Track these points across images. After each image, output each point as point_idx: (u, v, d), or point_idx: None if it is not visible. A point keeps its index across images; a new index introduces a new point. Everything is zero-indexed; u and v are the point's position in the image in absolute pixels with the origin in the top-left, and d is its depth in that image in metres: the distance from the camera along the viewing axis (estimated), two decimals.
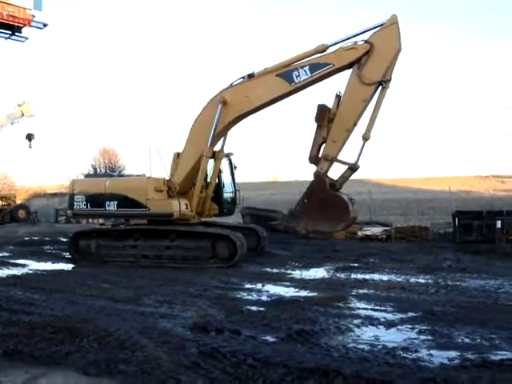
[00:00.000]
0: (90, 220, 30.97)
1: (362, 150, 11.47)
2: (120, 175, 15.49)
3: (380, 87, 11.27)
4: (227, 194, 15.11)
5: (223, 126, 12.97)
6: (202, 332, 6.20)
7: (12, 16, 18.93)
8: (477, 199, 32.00)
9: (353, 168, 11.52)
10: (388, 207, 32.40)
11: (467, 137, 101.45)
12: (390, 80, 11.24)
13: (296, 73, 11.90)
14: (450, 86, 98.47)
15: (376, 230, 19.49)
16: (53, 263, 13.53)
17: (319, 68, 11.74)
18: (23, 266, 12.98)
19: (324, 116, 11.54)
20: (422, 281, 10.09)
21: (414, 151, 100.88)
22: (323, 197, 11.16)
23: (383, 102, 11.35)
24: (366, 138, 11.35)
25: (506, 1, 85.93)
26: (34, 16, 19.59)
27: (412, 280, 10.21)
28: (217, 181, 14.55)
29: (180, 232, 12.80)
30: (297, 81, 11.93)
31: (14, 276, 11.24)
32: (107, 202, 13.34)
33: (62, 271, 12.10)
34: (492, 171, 52.20)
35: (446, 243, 17.14)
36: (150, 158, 12.78)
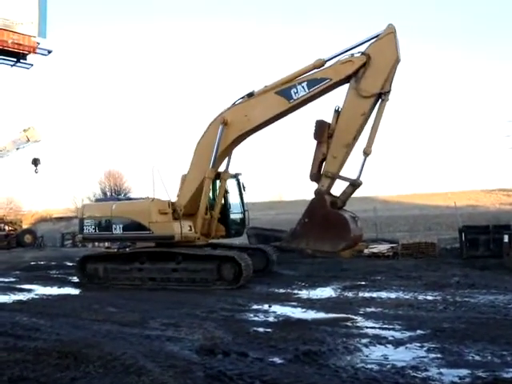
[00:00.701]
0: (96, 244, 30.96)
1: (363, 165, 11.14)
2: (128, 198, 15.50)
3: (379, 100, 11.01)
4: (234, 214, 14.98)
5: (225, 146, 12.94)
6: (208, 355, 6.14)
7: (17, 44, 19.19)
8: (483, 213, 31.85)
9: (354, 184, 11.17)
10: (394, 224, 32.26)
11: (472, 151, 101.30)
12: (389, 92, 10.96)
13: (294, 89, 11.79)
14: (455, 100, 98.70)
15: (382, 248, 19.36)
16: (59, 288, 13.50)
17: (317, 83, 11.59)
18: (29, 291, 12.95)
19: (323, 132, 11.30)
20: (430, 298, 9.99)
21: (419, 167, 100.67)
22: (323, 215, 10.83)
23: (383, 115, 11.07)
24: (366, 152, 11.03)
25: (508, 13, 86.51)
26: (38, 43, 19.85)
27: (420, 297, 10.11)
28: (223, 202, 14.51)
29: (186, 254, 12.74)
30: (295, 97, 11.79)
31: (19, 301, 11.20)
32: (114, 226, 13.44)
33: (67, 296, 12.06)
34: (498, 185, 51.95)
35: (453, 259, 17.01)
36: (153, 180, 12.80)
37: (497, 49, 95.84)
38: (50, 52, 19.97)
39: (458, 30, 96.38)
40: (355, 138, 11.21)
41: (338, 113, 11.28)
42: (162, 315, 8.88)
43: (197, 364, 5.74)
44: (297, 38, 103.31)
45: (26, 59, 20.25)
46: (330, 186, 11.24)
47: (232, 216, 14.86)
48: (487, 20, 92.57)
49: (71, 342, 6.83)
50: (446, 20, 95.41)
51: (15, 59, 20.02)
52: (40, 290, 13.06)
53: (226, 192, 14.66)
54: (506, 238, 14.79)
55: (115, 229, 13.42)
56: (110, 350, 6.36)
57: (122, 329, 7.85)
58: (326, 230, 10.68)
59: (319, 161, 11.36)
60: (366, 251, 19.05)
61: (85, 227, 14.00)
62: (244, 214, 15.29)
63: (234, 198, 15.13)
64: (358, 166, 11.20)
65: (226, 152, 13.49)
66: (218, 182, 14.23)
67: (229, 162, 14.23)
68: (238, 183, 15.23)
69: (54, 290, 13.08)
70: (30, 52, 19.88)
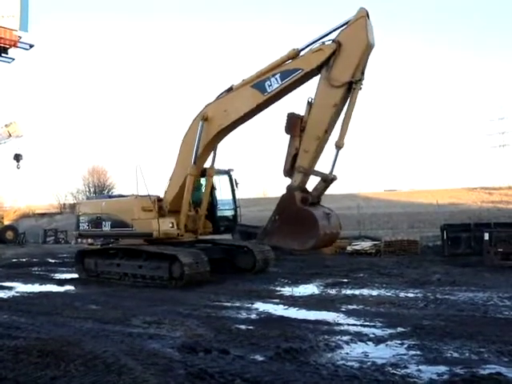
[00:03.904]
0: (79, 240, 30.84)
1: (335, 159, 10.56)
2: (120, 196, 15.34)
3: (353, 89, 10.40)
4: (223, 211, 14.70)
5: (206, 142, 12.75)
6: (190, 352, 6.14)
7: None
8: (465, 211, 32.13)
9: (326, 179, 10.61)
10: (377, 221, 32.42)
11: (455, 149, 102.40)
12: (360, 80, 10.43)
13: (268, 82, 11.46)
14: (439, 98, 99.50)
15: (365, 245, 19.53)
16: (40, 285, 13.37)
17: (289, 75, 11.20)
18: (10, 288, 12.82)
19: (295, 125, 10.80)
20: (411, 295, 10.10)
21: (402, 164, 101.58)
22: (293, 212, 10.35)
23: (355, 106, 10.49)
24: (338, 145, 10.50)
25: (494, 9, 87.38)
26: (20, 37, 19.58)
27: (401, 294, 10.21)
28: (210, 198, 14.26)
29: (149, 252, 12.73)
30: (269, 90, 11.45)
31: (0, 299, 11.08)
32: (103, 223, 13.72)
33: (49, 293, 11.93)
34: (480, 183, 52.48)
35: (435, 256, 17.24)
36: (136, 177, 12.73)
37: (482, 49, 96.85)
38: (31, 46, 19.69)
39: (446, 28, 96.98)
40: (327, 131, 10.69)
41: (310, 104, 10.84)
42: (144, 312, 8.85)
43: (178, 362, 5.73)
44: (282, 31, 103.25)
45: (7, 53, 19.96)
46: (303, 182, 10.73)
47: (220, 213, 14.57)
48: (475, 15, 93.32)
49: (52, 341, 6.78)
50: (435, 18, 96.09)
51: None
52: (21, 288, 12.95)
53: (214, 188, 14.43)
54: (486, 236, 15.00)
55: (104, 225, 13.72)
56: (91, 348, 6.32)
57: (103, 326, 7.82)
58: (295, 228, 10.27)
59: (292, 156, 10.87)
60: (348, 248, 19.22)
61: (80, 224, 14.49)
62: (235, 211, 14.95)
63: (224, 194, 14.88)
64: (330, 160, 10.63)
65: (209, 148, 13.28)
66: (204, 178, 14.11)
67: (214, 157, 14.00)
68: (230, 179, 14.96)
69: (36, 288, 12.96)
70: (11, 46, 19.60)
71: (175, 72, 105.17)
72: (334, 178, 10.68)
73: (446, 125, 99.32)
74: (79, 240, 30.50)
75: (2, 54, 19.87)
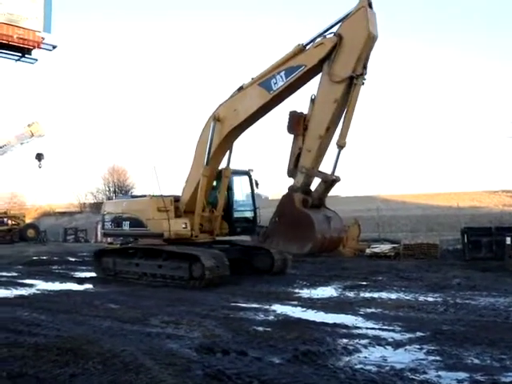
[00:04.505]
0: (99, 239, 31.26)
1: (337, 159, 10.20)
2: (143, 196, 15.31)
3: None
4: (240, 212, 14.53)
5: (219, 142, 12.66)
6: (208, 353, 6.14)
7: (22, 39, 19.19)
8: (486, 215, 31.69)
9: (326, 180, 10.26)
10: (396, 224, 32.13)
11: (476, 151, 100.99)
12: (362, 75, 9.98)
13: (274, 80, 11.23)
14: (460, 100, 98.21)
15: (384, 248, 19.37)
16: (60, 283, 13.55)
17: (293, 71, 10.90)
18: (31, 286, 13.00)
19: (298, 124, 10.58)
20: (430, 299, 9.98)
21: (422, 166, 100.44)
22: (291, 214, 10.15)
23: (357, 102, 10.05)
24: (340, 145, 10.13)
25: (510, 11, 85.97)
26: (43, 38, 19.85)
27: (421, 298, 10.10)
28: (226, 199, 14.11)
29: (170, 252, 12.76)
30: (275, 88, 11.22)
31: (21, 296, 11.25)
32: (124, 222, 13.91)
33: (69, 291, 12.08)
34: (502, 186, 51.59)
35: (455, 260, 17.02)
36: (154, 177, 12.87)
37: (502, 50, 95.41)
38: (54, 47, 19.96)
39: (463, 28, 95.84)
40: (328, 129, 10.29)
41: (313, 102, 10.57)
42: (162, 312, 8.90)
43: (196, 362, 5.74)
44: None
45: (30, 54, 20.27)
46: (305, 183, 10.41)
47: (237, 214, 14.39)
48: (489, 19, 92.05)
49: (71, 338, 6.85)
50: (453, 17, 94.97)
51: (20, 54, 20.03)
52: (42, 285, 13.12)
53: (230, 189, 14.28)
54: (508, 240, 14.79)
55: (124, 225, 13.89)
56: (109, 346, 6.38)
57: (122, 325, 7.87)
58: (293, 231, 10.04)
59: (295, 155, 10.64)
60: (367, 251, 19.08)
61: (105, 223, 14.77)
62: (255, 212, 14.67)
63: (243, 195, 14.78)
64: (332, 160, 10.30)
65: (222, 148, 13.09)
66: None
67: (229, 158, 13.76)
68: (250, 180, 14.79)
69: (56, 286, 13.13)
70: (34, 47, 19.88)
71: (197, 71, 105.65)
72: (335, 179, 10.41)
73: (468, 127, 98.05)
74: (99, 239, 31.00)
75: (26, 55, 20.18)
